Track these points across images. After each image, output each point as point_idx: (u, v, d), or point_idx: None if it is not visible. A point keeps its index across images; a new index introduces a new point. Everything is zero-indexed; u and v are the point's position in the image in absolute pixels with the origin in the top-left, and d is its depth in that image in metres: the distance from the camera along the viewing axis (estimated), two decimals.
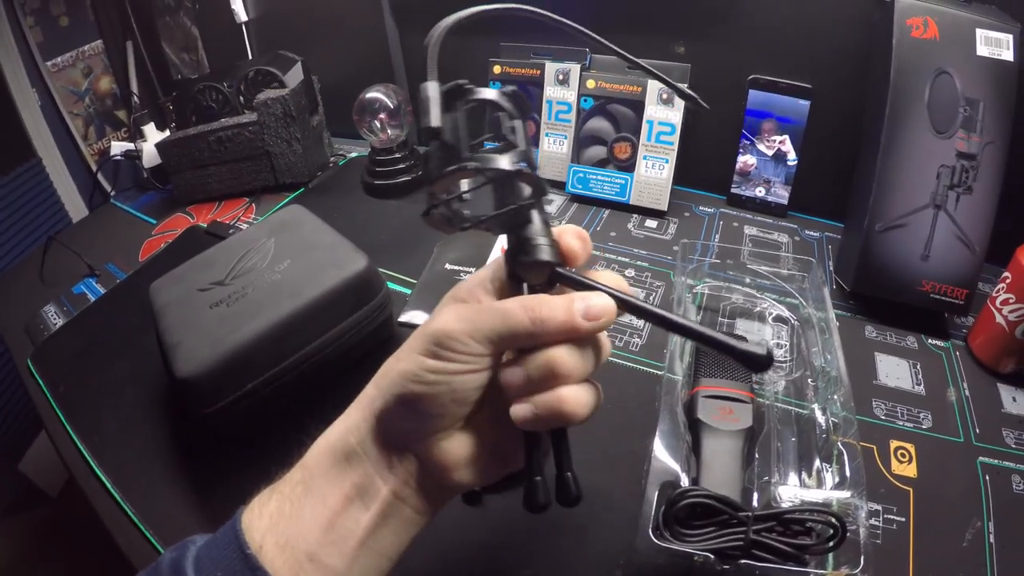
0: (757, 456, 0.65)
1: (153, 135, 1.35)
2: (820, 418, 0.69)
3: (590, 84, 1.12)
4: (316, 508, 0.41)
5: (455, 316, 0.40)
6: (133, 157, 1.36)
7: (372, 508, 0.41)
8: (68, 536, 1.41)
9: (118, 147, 1.38)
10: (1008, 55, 0.80)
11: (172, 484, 0.70)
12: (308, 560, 0.39)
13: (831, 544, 0.52)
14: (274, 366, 0.70)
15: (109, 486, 0.71)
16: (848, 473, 0.60)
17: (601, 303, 0.39)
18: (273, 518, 0.41)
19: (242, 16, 1.42)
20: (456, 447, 0.42)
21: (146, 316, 0.77)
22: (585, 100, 1.13)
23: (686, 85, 1.06)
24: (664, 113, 1.08)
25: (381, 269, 0.80)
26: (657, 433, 0.62)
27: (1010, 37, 0.80)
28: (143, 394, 0.81)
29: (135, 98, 1.48)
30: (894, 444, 0.70)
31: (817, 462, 0.65)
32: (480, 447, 0.43)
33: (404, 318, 0.88)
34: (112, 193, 1.40)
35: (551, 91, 1.17)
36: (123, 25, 1.47)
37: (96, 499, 0.71)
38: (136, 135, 1.39)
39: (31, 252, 1.24)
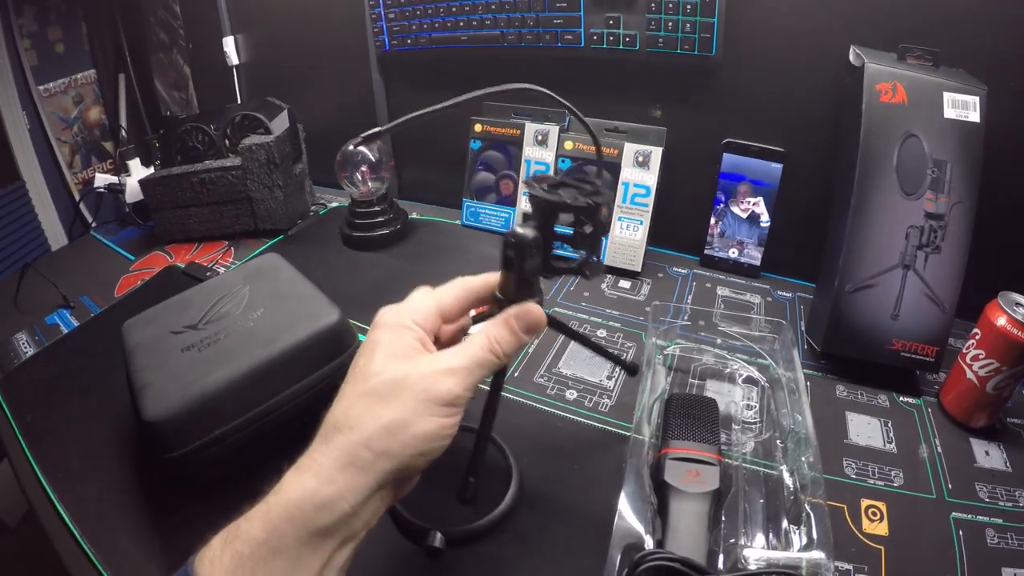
0: (724, 518, 0.65)
1: (137, 170, 1.36)
2: (788, 479, 0.69)
3: (568, 145, 1.16)
4: (290, 569, 0.42)
5: (457, 381, 0.48)
6: (116, 191, 1.36)
7: (348, 550, 0.45)
8: (26, 568, 1.38)
9: (102, 179, 1.38)
10: (975, 116, 0.82)
11: (134, 525, 0.70)
12: None
13: None
14: (242, 414, 0.70)
15: (69, 522, 0.70)
16: (815, 534, 0.60)
17: (535, 317, 0.54)
18: (230, 572, 0.41)
19: (233, 60, 1.44)
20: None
21: (117, 353, 0.77)
22: (563, 161, 1.16)
23: (662, 148, 1.09)
24: (639, 175, 1.10)
25: (353, 321, 0.80)
26: (622, 494, 0.63)
27: (976, 99, 0.82)
28: (110, 432, 0.81)
29: (123, 132, 1.49)
30: (865, 503, 0.70)
31: (785, 523, 0.65)
32: None
33: None
34: (93, 224, 1.40)
35: (530, 151, 1.19)
36: (117, 57, 1.49)
37: (55, 534, 0.70)
38: (121, 169, 1.39)
39: (6, 276, 1.23)
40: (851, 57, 0.92)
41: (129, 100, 1.52)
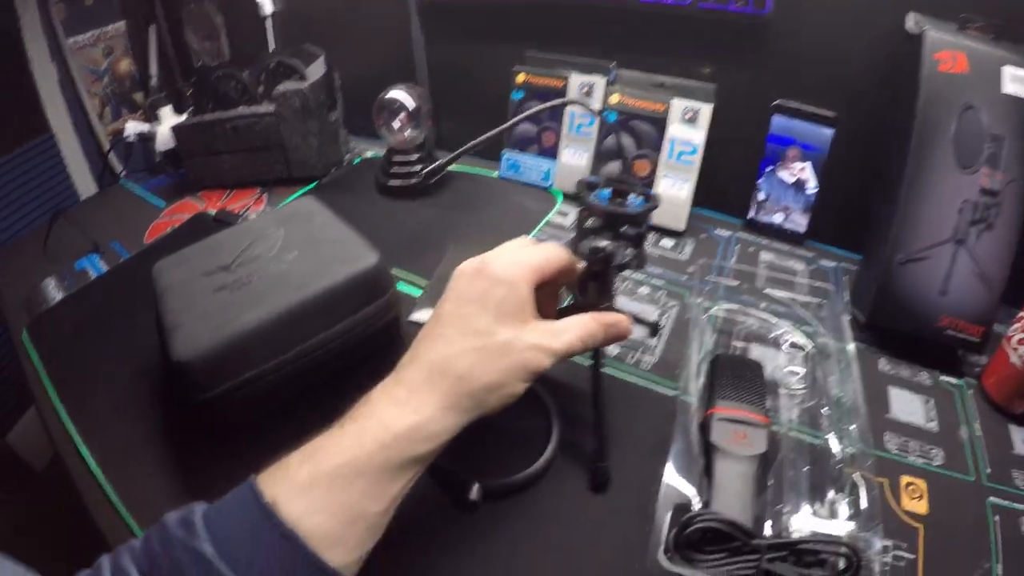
0: (770, 483, 0.63)
1: (168, 118, 1.34)
2: (836, 448, 0.67)
3: (614, 98, 1.11)
4: (370, 487, 0.46)
5: (551, 360, 0.54)
6: (147, 139, 1.34)
7: (418, 475, 0.50)
8: (51, 511, 1.39)
9: (132, 127, 1.36)
10: None
11: (158, 470, 0.69)
12: (359, 522, 0.45)
13: None
14: (274, 357, 0.68)
15: (93, 466, 0.69)
16: (865, 505, 0.58)
17: (624, 331, 0.60)
18: (304, 489, 0.44)
19: (267, 9, 1.41)
20: None
21: (147, 297, 0.75)
22: (608, 114, 1.12)
23: (711, 106, 1.05)
24: (687, 132, 1.06)
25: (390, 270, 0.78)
26: (671, 453, 0.61)
27: None
28: (138, 375, 0.80)
29: (153, 80, 1.47)
30: (905, 479, 0.68)
31: (830, 493, 0.63)
32: None
33: (415, 317, 0.87)
34: (123, 174, 1.39)
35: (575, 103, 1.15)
36: (147, 8, 1.47)
37: (79, 478, 0.69)
38: (151, 117, 1.37)
39: (36, 227, 1.22)
40: (909, 24, 0.88)
41: (160, 51, 1.50)
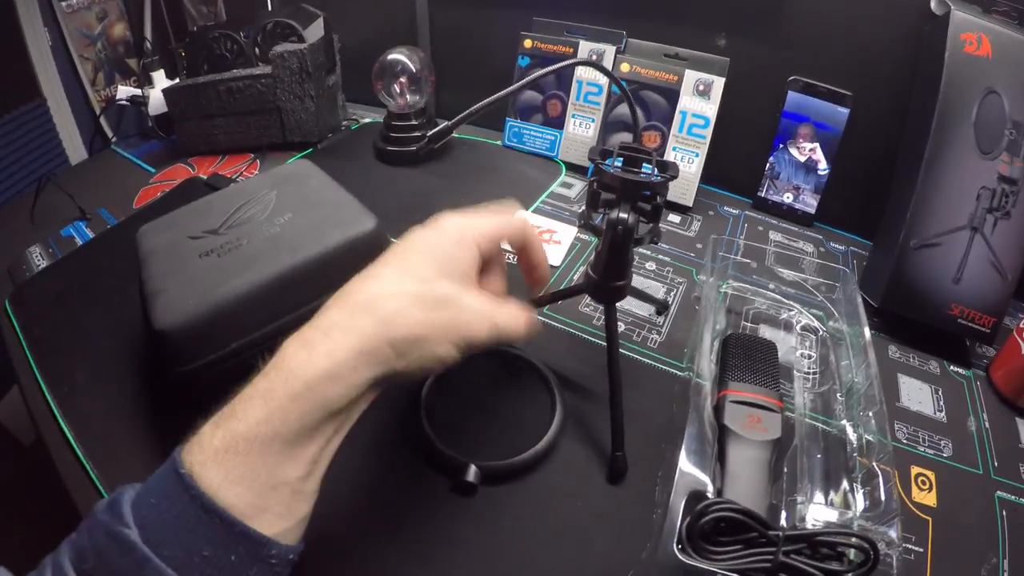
0: (785, 471, 0.61)
1: (162, 82, 1.31)
2: (851, 435, 0.65)
3: (624, 68, 1.08)
4: (287, 448, 0.41)
5: (488, 334, 0.49)
6: (139, 103, 1.31)
7: (344, 431, 0.45)
8: (39, 486, 1.38)
9: (124, 92, 1.33)
10: None
11: (138, 445, 0.65)
12: (280, 487, 0.41)
13: (861, 571, 0.49)
14: (263, 326, 0.64)
15: (71, 440, 0.66)
16: (882, 497, 0.55)
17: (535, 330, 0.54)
18: (220, 455, 0.40)
19: None
20: None
21: (133, 264, 0.72)
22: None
23: (724, 79, 1.03)
24: (699, 105, 1.04)
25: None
26: (684, 437, 0.58)
27: None
28: (122, 346, 0.76)
29: (147, 43, 1.43)
30: (915, 470, 0.68)
31: (845, 483, 0.60)
32: None
33: None
34: (114, 139, 1.35)
35: (582, 71, 1.13)
36: None
37: (58, 453, 0.67)
38: (144, 81, 1.34)
39: (25, 193, 1.19)
40: (933, 4, 0.87)
41: (155, 15, 1.46)
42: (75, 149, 1.35)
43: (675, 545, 0.49)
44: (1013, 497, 0.66)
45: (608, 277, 0.61)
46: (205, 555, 0.38)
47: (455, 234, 0.50)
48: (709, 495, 0.54)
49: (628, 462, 0.63)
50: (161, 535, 0.38)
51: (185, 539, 0.38)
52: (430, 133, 0.55)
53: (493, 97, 0.52)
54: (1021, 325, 0.76)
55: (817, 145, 1.02)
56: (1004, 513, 0.64)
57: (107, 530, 0.38)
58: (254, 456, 0.40)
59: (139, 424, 0.68)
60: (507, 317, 0.50)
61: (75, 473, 0.64)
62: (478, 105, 0.52)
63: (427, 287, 0.47)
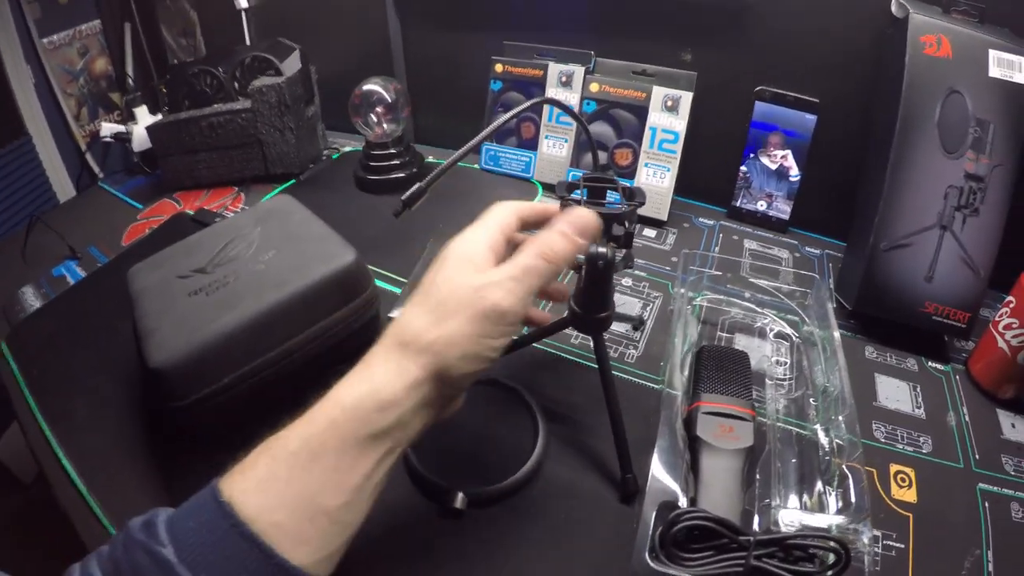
0: (758, 477, 0.63)
1: (145, 118, 1.33)
2: (823, 439, 0.67)
3: (593, 87, 1.11)
4: (328, 475, 0.42)
5: (505, 293, 0.46)
6: (123, 140, 1.33)
7: (388, 463, 0.45)
8: (40, 524, 1.38)
9: (108, 129, 1.35)
10: (1020, 78, 0.80)
11: (139, 478, 0.67)
12: (319, 517, 0.42)
13: (833, 572, 0.50)
14: (252, 360, 0.67)
15: (74, 475, 0.68)
16: (853, 498, 0.58)
17: (584, 217, 0.52)
18: (262, 483, 0.42)
19: (242, 3, 1.40)
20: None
21: (124, 302, 0.74)
22: (588, 103, 1.11)
23: (692, 93, 1.05)
24: (668, 120, 1.06)
25: (370, 267, 0.77)
26: (656, 449, 0.60)
27: (1022, 60, 0.80)
28: (117, 382, 0.78)
29: (129, 80, 1.45)
30: (894, 468, 0.69)
31: (819, 485, 0.62)
32: None
33: (395, 314, 0.85)
34: (100, 176, 1.37)
35: (553, 93, 1.15)
36: (122, 6, 1.44)
37: (60, 489, 0.68)
38: (127, 117, 1.36)
39: (15, 232, 1.20)
40: (893, 7, 0.88)
41: (135, 50, 1.48)
42: (62, 185, 1.36)
43: (647, 554, 0.51)
44: (996, 488, 0.67)
45: (592, 310, 0.62)
46: None
47: (460, 239, 0.51)
48: (682, 504, 0.56)
49: (611, 474, 0.65)
50: (198, 558, 0.39)
51: (222, 565, 0.39)
52: (404, 197, 0.56)
53: (464, 149, 0.54)
54: (997, 318, 0.77)
55: (789, 152, 1.04)
56: (986, 505, 0.65)
57: (145, 548, 0.40)
58: (295, 483, 0.42)
59: (139, 457, 0.70)
60: (512, 267, 0.48)
61: (78, 506, 0.66)
62: (449, 160, 0.53)
63: (437, 293, 0.48)
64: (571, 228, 0.51)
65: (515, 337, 0.51)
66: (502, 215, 0.53)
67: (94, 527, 0.64)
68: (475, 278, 0.47)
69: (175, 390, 0.64)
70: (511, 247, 0.53)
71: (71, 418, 0.75)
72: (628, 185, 0.64)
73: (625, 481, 0.63)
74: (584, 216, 0.52)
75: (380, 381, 0.45)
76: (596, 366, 0.66)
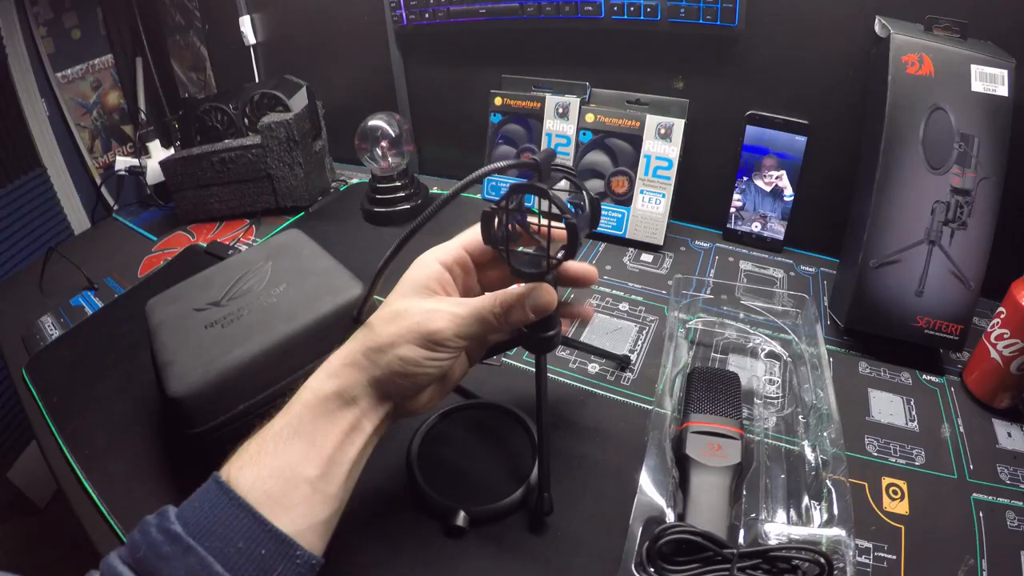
0: (745, 492, 0.65)
1: (158, 152, 1.36)
2: (810, 455, 0.69)
3: (589, 118, 1.14)
4: (306, 448, 0.51)
5: (449, 324, 0.54)
6: (137, 173, 1.37)
7: (357, 443, 0.53)
8: (54, 547, 1.41)
9: (123, 162, 1.39)
10: (1003, 91, 0.80)
11: (159, 501, 0.67)
12: (302, 485, 0.49)
13: None
14: (265, 389, 0.70)
15: (96, 499, 0.71)
16: (836, 510, 0.59)
17: (544, 299, 0.57)
18: (253, 457, 0.50)
19: (250, 39, 1.44)
20: (426, 394, 0.59)
21: (141, 332, 0.78)
22: (584, 134, 1.14)
23: (684, 120, 1.08)
24: (662, 148, 1.09)
25: (377, 297, 0.79)
26: (644, 467, 0.62)
27: (1004, 73, 0.80)
28: (135, 410, 0.82)
29: (142, 114, 1.49)
30: (886, 481, 0.70)
31: (806, 499, 0.64)
32: (438, 389, 0.61)
33: None
34: (115, 208, 1.41)
35: (551, 124, 1.18)
36: (134, 41, 1.49)
37: (83, 513, 0.71)
38: (141, 151, 1.40)
39: (31, 262, 1.24)
40: (876, 28, 0.90)
41: (147, 83, 1.52)
42: (77, 216, 1.40)
43: (634, 567, 0.54)
44: (990, 498, 0.67)
45: (535, 329, 0.62)
46: (239, 547, 0.45)
47: (419, 260, 0.61)
48: (668, 519, 0.58)
49: (604, 492, 0.67)
50: (203, 529, 0.45)
51: (222, 532, 0.45)
52: (354, 313, 0.61)
53: (457, 187, 0.57)
54: (988, 329, 0.78)
55: (783, 172, 1.06)
56: (981, 514, 0.66)
57: (157, 526, 0.46)
58: (280, 455, 0.50)
59: (159, 482, 0.73)
60: (468, 308, 0.56)
61: (102, 530, 0.68)
62: (432, 207, 0.57)
63: (388, 308, 0.57)
64: (529, 301, 0.57)
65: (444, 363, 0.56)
66: (467, 239, 0.63)
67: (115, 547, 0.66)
68: (426, 302, 0.56)
69: (193, 418, 0.67)
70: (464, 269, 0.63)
71: (92, 444, 0.78)
72: (552, 211, 0.56)
73: (540, 500, 0.64)
74: (544, 296, 0.57)
75: (331, 370, 0.54)
76: (590, 389, 0.67)
